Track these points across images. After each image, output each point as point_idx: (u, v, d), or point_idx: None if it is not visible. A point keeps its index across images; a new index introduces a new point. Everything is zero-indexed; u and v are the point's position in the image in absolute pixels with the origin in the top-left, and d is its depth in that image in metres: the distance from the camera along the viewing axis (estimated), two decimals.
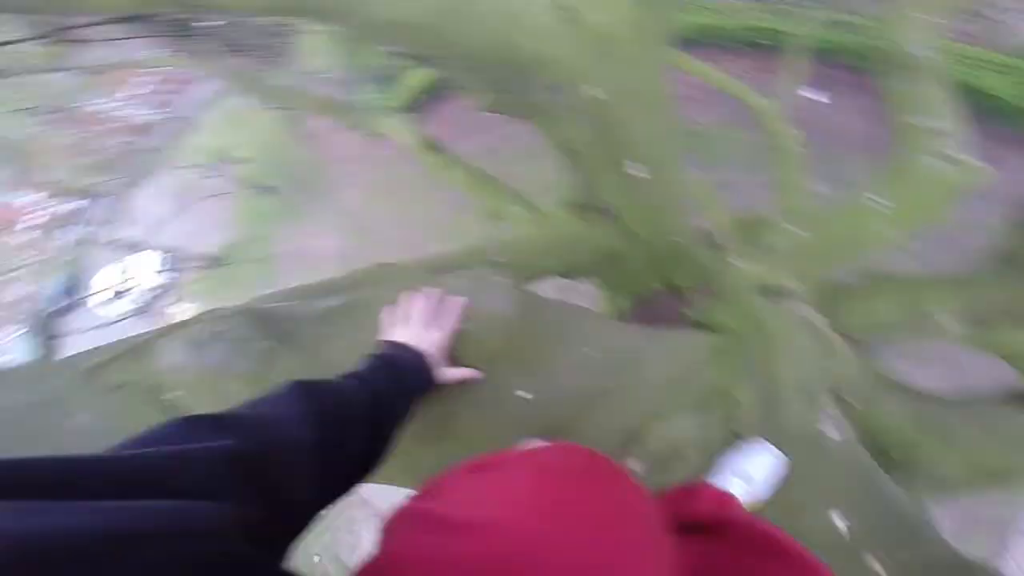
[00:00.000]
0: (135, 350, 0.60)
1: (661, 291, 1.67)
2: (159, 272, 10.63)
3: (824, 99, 5.50)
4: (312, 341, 0.67)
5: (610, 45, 1.12)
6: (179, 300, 10.26)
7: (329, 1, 1.01)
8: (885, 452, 1.31)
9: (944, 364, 4.42)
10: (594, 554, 0.39)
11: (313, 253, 9.11)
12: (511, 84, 1.15)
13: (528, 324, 0.86)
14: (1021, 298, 1.51)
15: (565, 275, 1.61)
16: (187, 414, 0.40)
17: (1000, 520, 4.11)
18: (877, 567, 0.82)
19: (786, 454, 0.94)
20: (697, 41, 5.85)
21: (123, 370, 0.59)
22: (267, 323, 0.63)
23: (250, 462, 0.37)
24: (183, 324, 0.62)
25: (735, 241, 1.81)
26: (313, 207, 9.74)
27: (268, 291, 0.88)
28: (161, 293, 10.29)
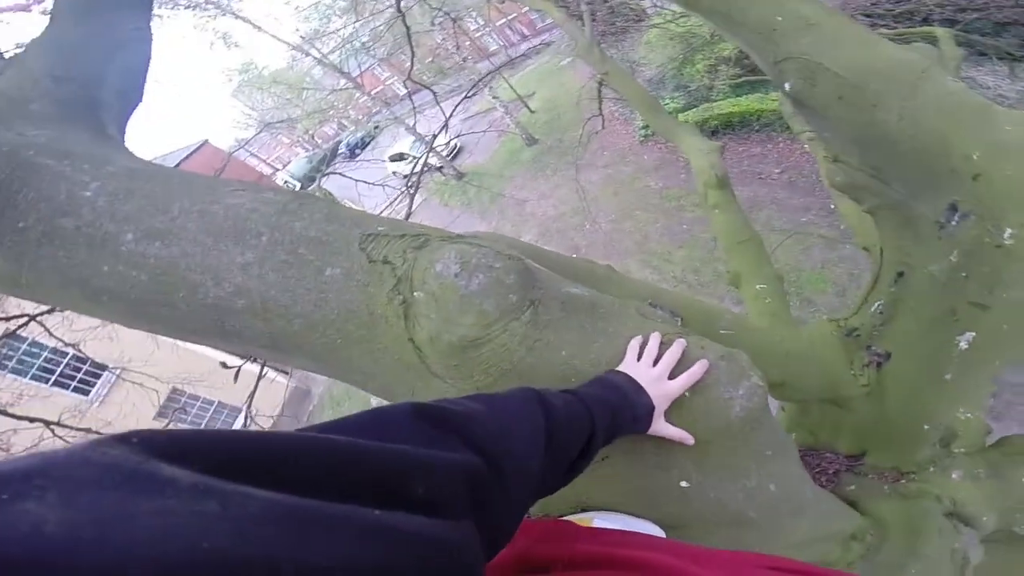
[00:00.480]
0: (416, 238, 0.64)
1: (844, 454, 1.41)
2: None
3: None
4: (552, 321, 0.65)
5: None
6: (416, 189, 12.31)
7: (753, 20, 0.93)
8: None
9: None
10: None
11: (528, 209, 9.73)
12: (906, 179, 0.93)
13: (747, 431, 0.74)
14: None
15: (772, 387, 1.38)
16: (415, 402, 0.37)
17: None
18: None
19: None
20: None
21: (396, 249, 0.64)
22: (526, 280, 0.63)
23: (484, 478, 0.35)
24: (462, 238, 0.65)
25: (969, 456, 1.37)
26: (556, 173, 10.30)
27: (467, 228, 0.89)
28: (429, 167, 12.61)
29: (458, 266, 0.58)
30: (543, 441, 0.45)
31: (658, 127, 3.09)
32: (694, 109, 8.24)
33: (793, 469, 0.90)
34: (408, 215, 3.19)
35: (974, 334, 0.97)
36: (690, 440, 0.71)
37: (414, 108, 4.09)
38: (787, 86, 0.99)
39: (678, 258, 6.87)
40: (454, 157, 14.17)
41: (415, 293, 0.62)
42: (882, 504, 1.21)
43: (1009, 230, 0.83)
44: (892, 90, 0.85)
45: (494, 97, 11.99)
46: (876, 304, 1.13)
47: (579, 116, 8.97)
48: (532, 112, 14.02)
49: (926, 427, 1.21)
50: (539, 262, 0.84)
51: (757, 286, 1.81)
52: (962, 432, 1.32)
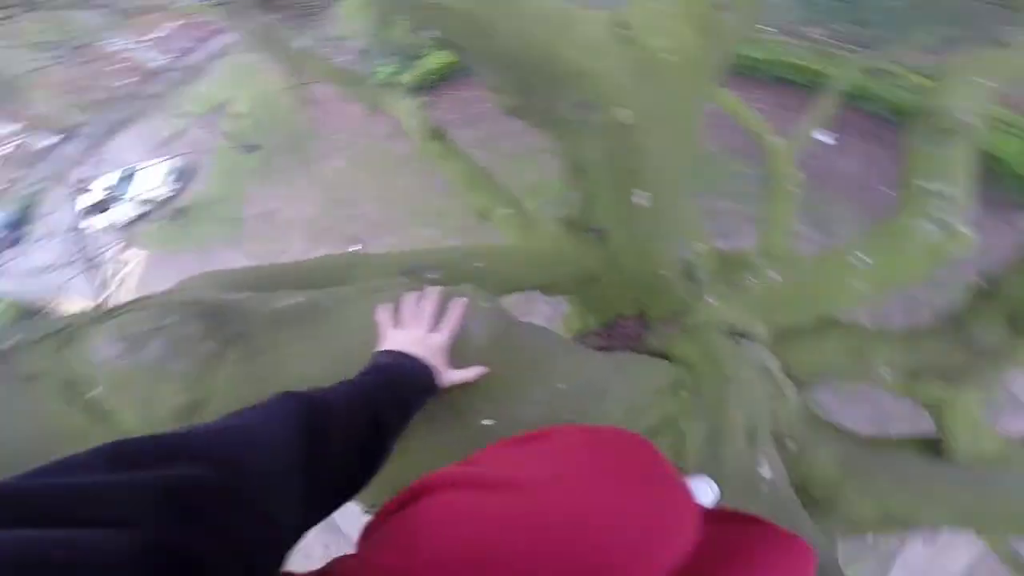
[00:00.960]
0: (58, 335, 0.52)
1: (631, 317, 1.68)
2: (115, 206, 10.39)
3: (830, 141, 5.52)
4: (266, 346, 0.60)
5: (659, 71, 1.07)
6: (128, 247, 9.94)
7: None
8: (807, 490, 1.35)
9: (869, 404, 4.56)
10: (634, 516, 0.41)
11: (283, 218, 8.89)
12: (540, 91, 1.08)
13: (502, 349, 0.82)
14: (954, 358, 1.57)
15: (543, 291, 1.56)
16: (121, 438, 0.34)
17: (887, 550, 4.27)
18: None
19: (720, 489, 0.95)
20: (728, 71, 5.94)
21: (40, 357, 0.51)
22: (216, 320, 0.56)
23: (205, 490, 0.33)
24: (117, 311, 0.54)
25: (714, 278, 1.81)
26: (294, 172, 9.49)
27: (223, 267, 0.81)
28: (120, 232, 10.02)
29: (120, 344, 0.49)
30: (297, 440, 0.43)
31: (364, 99, 3.04)
32: (409, 71, 8.29)
33: (574, 359, 0.95)
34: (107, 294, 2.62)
35: (646, 193, 1.22)
36: (481, 371, 0.73)
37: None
38: (425, 33, 1.05)
39: (451, 208, 7.09)
40: (173, 195, 11.66)
41: (93, 392, 0.51)
42: (680, 347, 1.34)
43: (623, 111, 1.05)
44: (498, 15, 0.96)
45: (181, 115, 10.20)
46: (574, 195, 1.34)
47: (295, 107, 8.27)
48: (239, 117, 12.37)
49: (663, 272, 1.48)
50: (256, 284, 0.77)
51: (502, 212, 2.00)
52: (696, 262, 1.69)
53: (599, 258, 1.47)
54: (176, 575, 0.28)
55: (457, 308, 0.76)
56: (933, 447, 1.62)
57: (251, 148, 10.80)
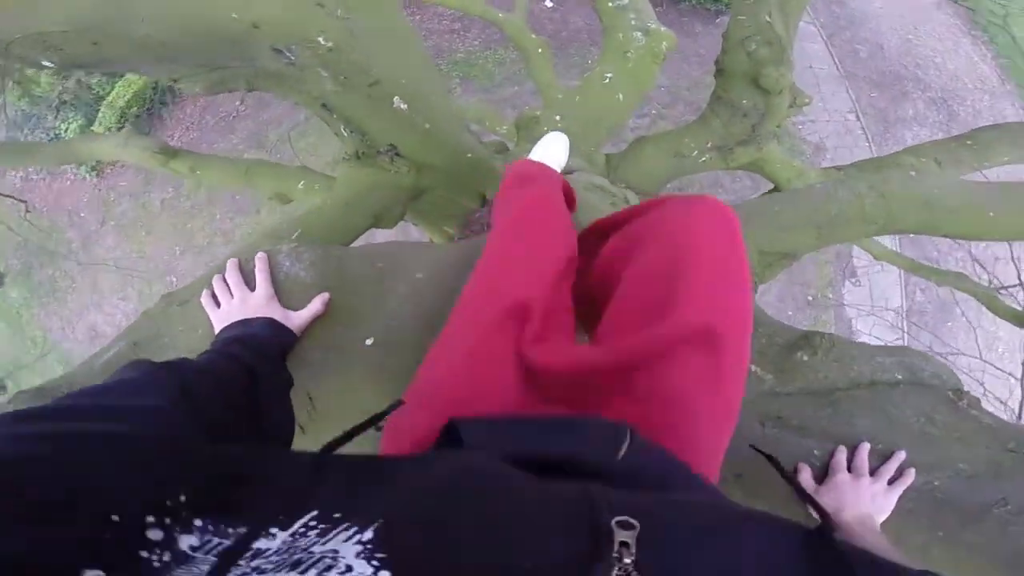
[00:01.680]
0: None
1: (476, 206, 1.76)
2: None
3: (549, 3, 6.04)
4: None
5: None
6: None
7: None
8: None
9: (723, 191, 5.44)
10: None
11: (99, 329, 7.43)
12: (225, 59, 1.00)
13: (341, 277, 0.83)
14: (739, 126, 1.94)
15: (379, 225, 1.56)
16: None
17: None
18: None
19: None
20: None
21: None
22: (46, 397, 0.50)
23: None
24: None
25: (519, 141, 1.95)
26: (74, 279, 7.78)
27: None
28: None
29: None
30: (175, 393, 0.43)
31: (55, 161, 2.57)
32: (99, 115, 6.84)
33: (423, 252, 0.96)
34: None
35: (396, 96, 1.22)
36: (323, 299, 0.76)
37: None
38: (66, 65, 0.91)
39: (236, 226, 6.40)
40: None
41: None
42: None
43: (320, 39, 1.03)
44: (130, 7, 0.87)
45: None
46: (346, 131, 1.32)
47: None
48: None
49: (471, 155, 1.53)
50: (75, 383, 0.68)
51: (298, 186, 1.90)
52: (501, 136, 1.76)
53: (409, 171, 1.49)
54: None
55: (259, 262, 0.78)
56: None
57: None
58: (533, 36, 2.68)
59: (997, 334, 4.86)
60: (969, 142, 2.09)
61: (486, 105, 2.81)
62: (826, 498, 0.71)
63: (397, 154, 1.42)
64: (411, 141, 1.35)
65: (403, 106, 1.20)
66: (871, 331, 4.67)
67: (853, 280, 5.34)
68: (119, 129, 6.40)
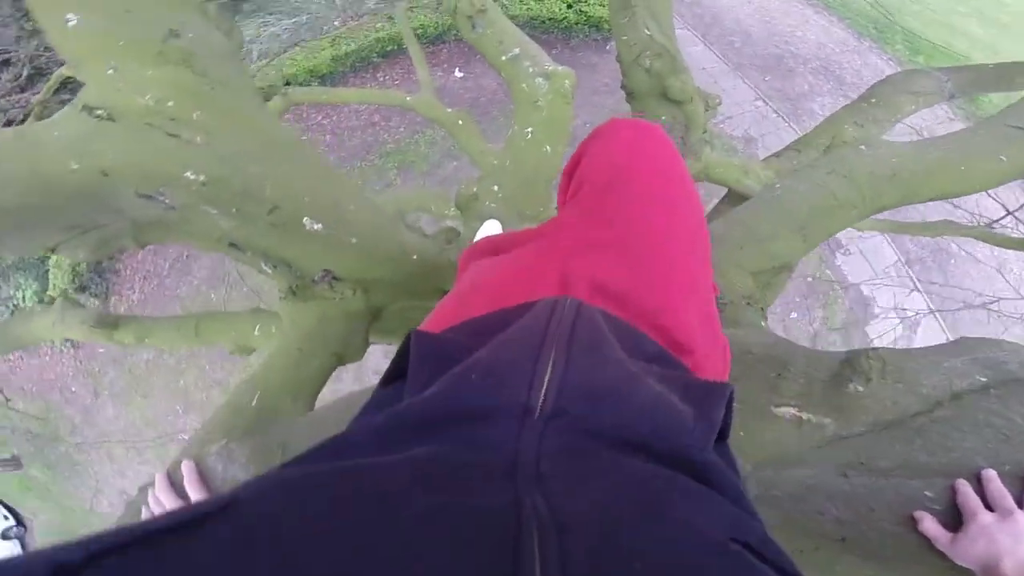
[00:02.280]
0: None
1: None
2: None
3: (459, 74, 6.21)
4: None
5: (184, 124, 0.92)
6: None
7: None
8: None
9: None
10: None
11: (130, 492, 6.84)
12: (92, 216, 0.87)
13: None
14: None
15: (343, 361, 1.39)
16: None
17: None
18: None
19: None
20: (341, 71, 5.95)
21: None
22: None
23: None
24: None
25: (466, 221, 1.85)
26: (88, 452, 7.22)
27: None
28: None
29: None
30: None
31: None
32: (50, 278, 6.61)
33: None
34: None
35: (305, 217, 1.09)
36: None
37: None
38: None
39: (229, 373, 6.15)
40: None
41: None
42: None
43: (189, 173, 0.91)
44: None
45: None
46: (271, 267, 1.17)
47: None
48: None
49: (416, 256, 1.41)
50: None
51: (254, 333, 1.74)
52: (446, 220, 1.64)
53: (355, 293, 1.34)
54: None
55: (187, 473, 0.72)
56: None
57: (9, 465, 7.77)
58: (449, 110, 2.66)
59: (1003, 256, 4.85)
60: (873, 100, 2.14)
61: (426, 191, 2.76)
62: (973, 549, 0.57)
63: (335, 278, 1.27)
64: (343, 261, 1.20)
65: (316, 226, 1.07)
66: (881, 297, 4.61)
67: (841, 251, 5.35)
68: (75, 290, 6.16)
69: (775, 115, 6.22)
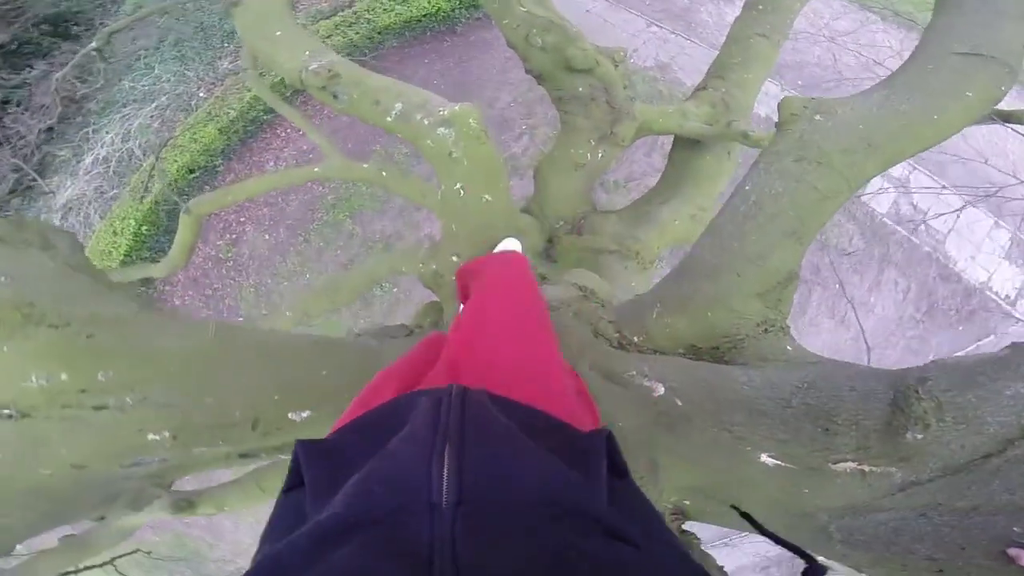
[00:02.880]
0: None
1: None
2: None
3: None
4: None
5: (99, 391, 0.79)
6: None
7: None
8: None
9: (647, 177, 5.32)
10: None
11: None
12: (109, 491, 0.89)
13: None
14: (596, 112, 1.97)
15: None
16: None
17: None
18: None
19: None
20: (236, 141, 5.54)
21: None
22: None
23: None
24: None
25: (442, 297, 1.74)
26: None
27: None
28: None
29: None
30: None
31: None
32: None
33: None
34: None
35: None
36: None
37: None
38: None
39: None
40: None
41: None
42: None
43: None
44: None
45: None
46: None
47: None
48: None
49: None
50: None
51: None
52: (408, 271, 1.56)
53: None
54: None
55: None
56: None
57: None
58: (365, 165, 2.47)
59: None
60: (760, 7, 2.06)
61: (392, 256, 2.61)
62: None
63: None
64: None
65: (304, 414, 0.95)
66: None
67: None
68: None
69: (673, 35, 6.05)
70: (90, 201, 5.28)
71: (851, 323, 4.58)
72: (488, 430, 0.47)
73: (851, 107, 0.95)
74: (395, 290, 5.08)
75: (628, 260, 2.07)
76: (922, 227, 4.84)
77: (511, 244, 1.59)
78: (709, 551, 1.04)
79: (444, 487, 0.39)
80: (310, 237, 5.43)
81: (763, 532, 0.62)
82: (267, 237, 5.52)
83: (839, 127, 0.93)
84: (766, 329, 0.92)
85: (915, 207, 5.07)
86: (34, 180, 4.97)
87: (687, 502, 0.97)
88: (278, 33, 1.62)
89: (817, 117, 0.97)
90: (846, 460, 0.74)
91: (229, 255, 5.55)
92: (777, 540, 0.57)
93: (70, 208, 5.24)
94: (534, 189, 2.29)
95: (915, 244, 4.98)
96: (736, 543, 5.00)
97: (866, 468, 0.72)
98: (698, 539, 1.05)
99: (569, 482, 0.43)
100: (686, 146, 2.24)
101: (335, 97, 1.50)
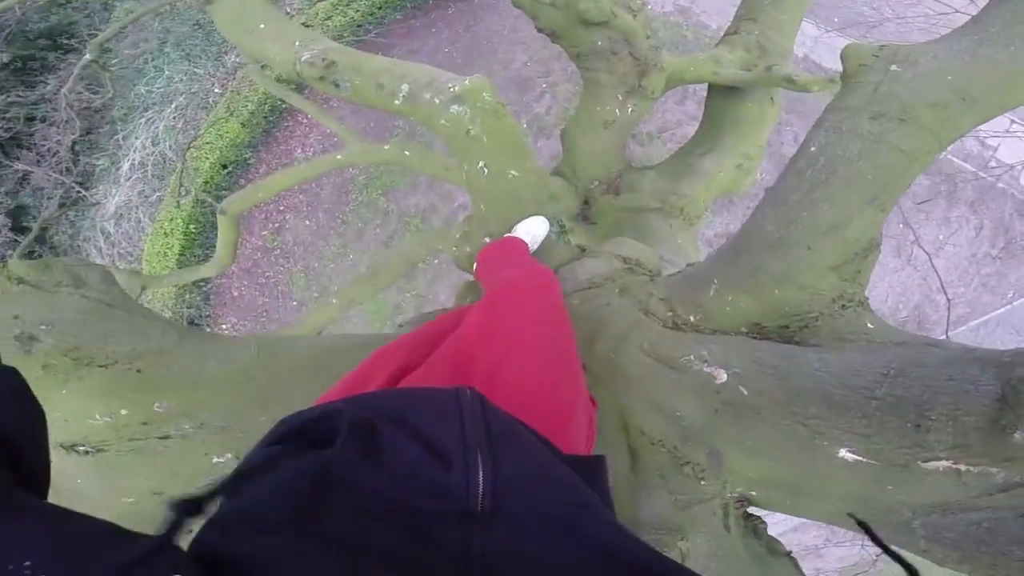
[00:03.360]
0: None
1: None
2: None
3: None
4: None
5: (160, 421, 0.80)
6: None
7: None
8: None
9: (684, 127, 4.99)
10: None
11: None
12: None
13: None
14: (619, 65, 1.82)
15: None
16: None
17: None
18: None
19: None
20: (262, 131, 5.55)
21: None
22: None
23: None
24: None
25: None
26: None
27: None
28: None
29: None
30: None
31: None
32: None
33: None
34: None
35: None
36: None
37: None
38: None
39: None
40: None
41: None
42: None
43: None
44: None
45: None
46: None
47: None
48: None
49: None
50: None
51: None
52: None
53: None
54: None
55: None
56: None
57: None
58: (386, 147, 2.40)
59: None
60: None
61: (427, 235, 2.58)
62: None
63: None
64: None
65: None
66: None
67: None
68: None
69: None
70: (136, 206, 5.46)
71: (918, 262, 4.23)
72: (513, 436, 0.48)
73: (934, 55, 0.79)
74: (436, 262, 5.08)
75: (672, 217, 1.93)
76: (992, 162, 4.33)
77: (534, 225, 1.48)
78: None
79: (479, 500, 0.40)
80: (348, 219, 5.46)
81: (877, 542, 0.58)
82: (308, 223, 5.60)
83: (924, 79, 0.77)
84: (843, 305, 0.81)
85: (983, 143, 4.52)
86: (80, 192, 5.16)
87: (754, 493, 0.91)
88: (261, 26, 1.51)
89: (893, 67, 0.81)
90: (939, 459, 0.66)
91: (275, 244, 5.69)
92: (888, 552, 0.53)
93: (120, 215, 5.45)
94: (563, 150, 2.16)
95: (987, 181, 4.48)
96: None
97: (963, 467, 0.64)
98: (764, 523, 1.00)
99: (587, 496, 0.45)
100: (723, 94, 2.03)
101: (336, 86, 1.41)
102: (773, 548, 0.96)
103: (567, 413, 0.68)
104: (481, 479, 0.41)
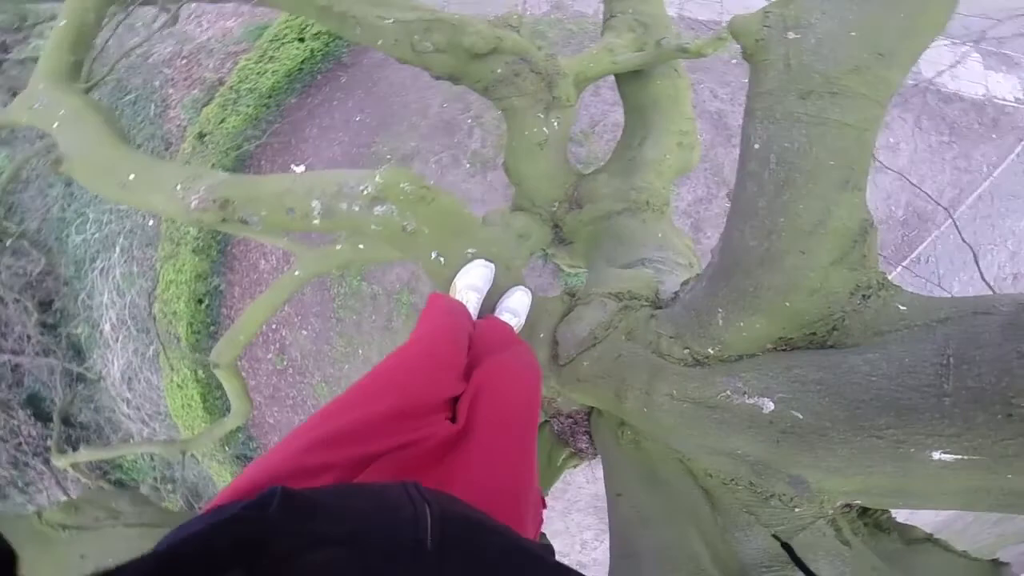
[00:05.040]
0: None
1: None
2: None
3: (299, 168, 5.43)
4: None
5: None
6: None
7: None
8: None
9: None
10: None
11: None
12: None
13: None
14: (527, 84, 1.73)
15: None
16: None
17: None
18: None
19: None
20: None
21: None
22: None
23: None
24: None
25: None
26: None
27: None
28: None
29: None
30: None
31: None
32: None
33: None
34: None
35: None
36: None
37: None
38: None
39: None
40: None
41: None
42: None
43: None
44: None
45: None
46: None
47: None
48: None
49: None
50: None
51: None
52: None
53: None
54: None
55: None
56: None
57: None
58: (338, 247, 2.30)
59: None
60: None
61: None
62: None
63: None
64: None
65: None
66: None
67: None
68: None
69: None
70: (138, 368, 5.30)
71: (882, 167, 4.24)
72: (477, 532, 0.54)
73: (822, 11, 0.71)
74: None
75: (641, 212, 1.85)
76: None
77: (472, 276, 1.28)
78: None
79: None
80: (340, 315, 5.34)
81: (801, 566, 0.70)
82: (305, 332, 5.48)
83: (830, 43, 0.69)
84: (864, 295, 0.73)
85: None
86: (77, 370, 4.96)
87: (858, 501, 0.82)
88: (131, 177, 1.34)
89: (791, 35, 0.73)
90: None
91: (284, 363, 5.56)
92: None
93: (128, 379, 5.27)
94: (512, 185, 2.08)
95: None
96: None
97: None
98: (887, 512, 0.90)
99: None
100: (630, 80, 1.96)
101: (245, 223, 1.27)
102: (908, 537, 0.86)
103: (524, 500, 0.74)
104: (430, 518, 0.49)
